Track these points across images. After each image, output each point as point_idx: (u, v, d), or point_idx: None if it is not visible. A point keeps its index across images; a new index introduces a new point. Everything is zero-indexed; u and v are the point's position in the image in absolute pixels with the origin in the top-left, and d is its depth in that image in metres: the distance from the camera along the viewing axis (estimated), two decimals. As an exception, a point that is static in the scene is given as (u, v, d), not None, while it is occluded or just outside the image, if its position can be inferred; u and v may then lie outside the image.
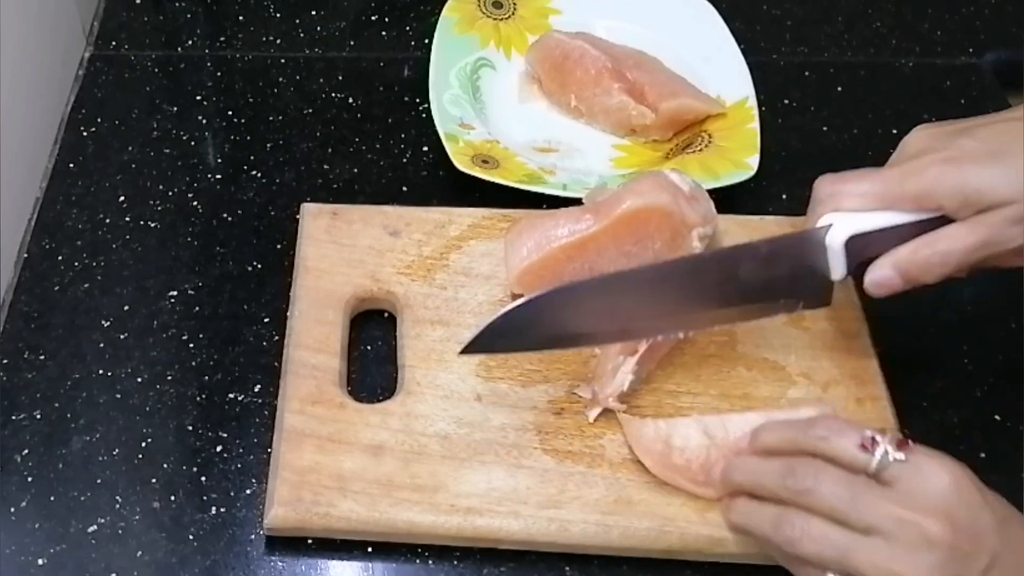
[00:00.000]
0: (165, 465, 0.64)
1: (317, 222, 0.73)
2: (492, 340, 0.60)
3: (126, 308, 0.71)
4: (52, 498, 0.62)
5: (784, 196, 0.79)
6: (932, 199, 0.59)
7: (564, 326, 0.61)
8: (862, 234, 0.61)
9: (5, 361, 0.68)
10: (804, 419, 0.58)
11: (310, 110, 0.85)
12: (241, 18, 0.92)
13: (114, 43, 0.89)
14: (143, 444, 0.65)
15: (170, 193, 0.78)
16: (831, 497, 0.53)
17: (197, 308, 0.72)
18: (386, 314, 0.71)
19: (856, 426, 0.55)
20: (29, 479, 0.63)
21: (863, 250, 0.61)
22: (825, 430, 0.55)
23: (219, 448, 0.65)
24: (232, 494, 0.63)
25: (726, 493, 0.60)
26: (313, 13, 0.92)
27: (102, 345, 0.69)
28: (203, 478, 0.64)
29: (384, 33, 0.91)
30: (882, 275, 0.61)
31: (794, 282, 0.63)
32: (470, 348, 0.60)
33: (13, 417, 0.66)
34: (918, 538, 0.50)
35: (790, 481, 0.54)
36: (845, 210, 0.61)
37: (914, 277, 0.61)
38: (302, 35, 0.91)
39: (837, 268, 0.62)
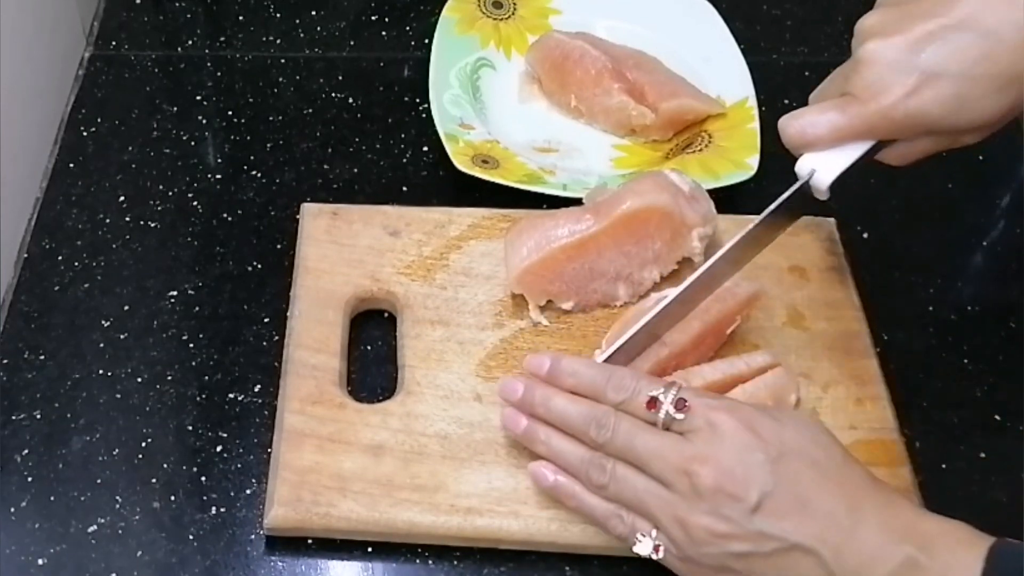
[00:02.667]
0: (165, 465, 0.64)
1: (317, 222, 0.73)
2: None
3: (126, 308, 0.71)
4: (52, 498, 0.62)
5: (784, 196, 0.79)
6: (898, 134, 0.60)
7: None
8: (842, 173, 0.62)
9: (5, 361, 0.68)
10: (604, 368, 0.61)
11: (310, 110, 0.85)
12: (241, 18, 0.92)
13: (114, 43, 0.89)
14: (143, 444, 0.65)
15: (170, 193, 0.78)
16: (626, 446, 0.57)
17: (197, 308, 0.72)
18: (386, 314, 0.71)
19: (649, 381, 0.58)
20: (29, 479, 0.63)
21: (844, 178, 0.62)
22: (618, 391, 0.58)
23: (219, 448, 0.65)
24: (232, 494, 0.63)
25: (519, 411, 0.61)
26: (313, 13, 0.92)
27: (102, 345, 0.69)
28: (203, 478, 0.64)
29: (384, 33, 0.91)
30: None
31: (780, 227, 0.66)
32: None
33: (13, 417, 0.66)
34: (690, 485, 0.54)
35: (594, 430, 0.58)
36: (818, 151, 0.61)
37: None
38: (302, 35, 0.91)
39: (823, 196, 0.63)
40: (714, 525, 0.54)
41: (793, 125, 0.61)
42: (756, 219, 0.63)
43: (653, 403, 0.57)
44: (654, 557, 0.56)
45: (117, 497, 0.63)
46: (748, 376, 0.64)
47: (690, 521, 0.54)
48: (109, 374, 0.68)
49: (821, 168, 0.61)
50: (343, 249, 0.72)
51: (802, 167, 0.62)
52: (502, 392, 0.62)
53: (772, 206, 0.63)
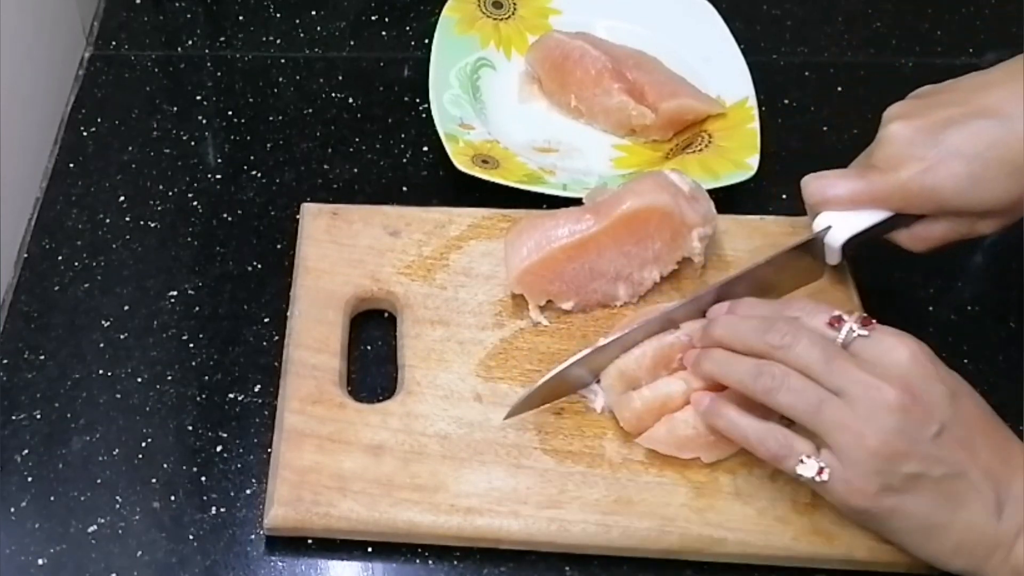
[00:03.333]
0: (165, 465, 0.64)
1: (317, 222, 0.73)
2: (530, 403, 0.64)
3: (126, 308, 0.71)
4: (52, 498, 0.62)
5: (784, 196, 0.79)
6: (912, 208, 0.65)
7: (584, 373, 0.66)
8: (857, 233, 0.65)
9: (5, 361, 0.68)
10: (777, 301, 0.63)
11: (310, 110, 0.85)
12: (241, 18, 0.92)
13: (114, 43, 0.89)
14: (143, 444, 0.65)
15: (170, 193, 0.78)
16: (806, 356, 0.56)
17: (197, 308, 0.72)
18: (386, 314, 0.71)
19: (826, 307, 0.59)
20: (29, 479, 0.63)
21: (858, 242, 0.66)
22: (798, 310, 0.59)
23: (219, 448, 0.65)
24: (232, 494, 0.63)
25: (703, 346, 0.62)
26: (313, 13, 0.92)
27: (102, 345, 0.69)
28: (203, 478, 0.64)
29: (384, 33, 0.91)
30: None
31: (793, 278, 0.68)
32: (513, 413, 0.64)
33: (13, 417, 0.66)
34: (878, 402, 0.55)
35: (769, 336, 0.58)
36: (835, 211, 0.66)
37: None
38: (302, 35, 0.91)
39: (833, 258, 0.67)
40: (895, 442, 0.54)
41: (815, 183, 0.66)
42: (762, 259, 0.66)
43: (837, 321, 0.57)
44: (817, 480, 0.56)
45: (117, 497, 0.63)
46: None
47: (871, 436, 0.54)
48: (109, 374, 0.68)
49: (837, 226, 0.65)
50: (343, 249, 0.72)
51: (819, 223, 0.66)
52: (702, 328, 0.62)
53: (783, 249, 0.66)
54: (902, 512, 0.55)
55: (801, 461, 0.56)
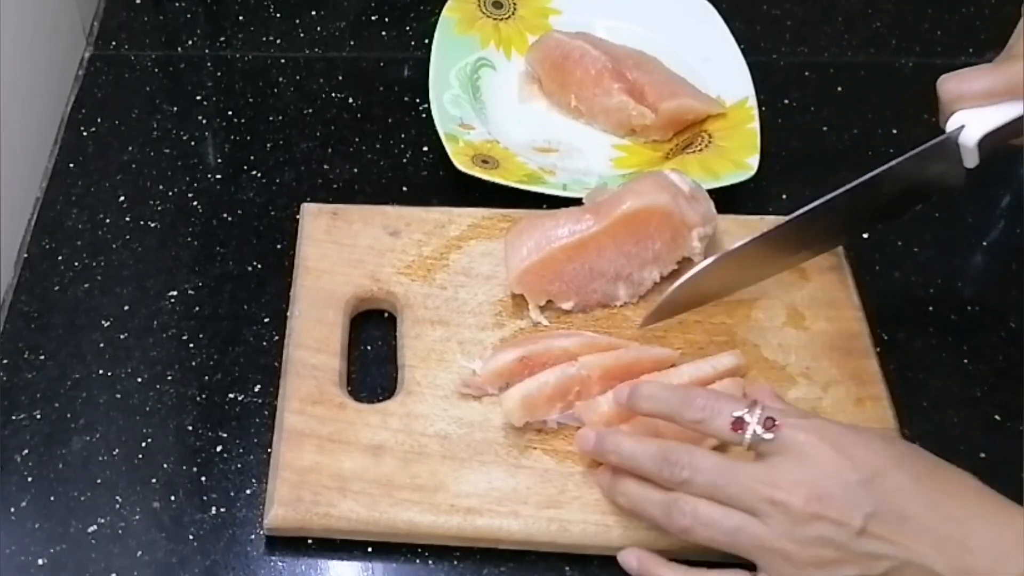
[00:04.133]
0: (165, 465, 0.64)
1: (317, 222, 0.73)
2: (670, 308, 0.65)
3: (126, 308, 0.71)
4: (52, 498, 0.62)
5: (784, 196, 0.79)
6: None
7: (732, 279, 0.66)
8: (993, 131, 0.62)
9: (5, 361, 0.68)
10: (681, 388, 0.60)
11: (310, 110, 0.85)
12: (241, 18, 0.92)
13: (114, 43, 0.89)
14: (143, 444, 0.65)
15: (170, 193, 0.78)
16: (709, 485, 0.54)
17: (197, 308, 0.72)
18: (386, 314, 0.71)
19: (730, 400, 0.56)
20: (29, 479, 0.63)
21: (993, 142, 0.62)
22: (699, 411, 0.56)
23: (219, 448, 0.65)
24: (232, 494, 0.63)
25: (597, 463, 0.61)
26: (313, 13, 0.92)
27: (102, 345, 0.69)
28: (203, 478, 0.64)
29: (384, 33, 0.91)
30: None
31: (928, 183, 0.65)
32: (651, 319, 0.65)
33: (13, 417, 0.66)
34: (788, 515, 0.52)
35: (667, 471, 0.56)
36: (971, 107, 0.62)
37: None
38: (302, 35, 0.91)
39: (970, 160, 0.63)
40: (821, 552, 0.52)
41: (951, 79, 0.62)
42: (892, 163, 0.63)
43: (739, 426, 0.55)
44: None
45: (117, 497, 0.63)
46: (713, 379, 0.64)
47: (793, 551, 0.52)
48: (109, 374, 0.68)
49: (971, 123, 0.62)
50: (343, 249, 0.72)
51: (952, 123, 0.62)
52: (577, 444, 0.61)
53: (912, 152, 0.63)
54: None
55: None
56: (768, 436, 0.54)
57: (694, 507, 0.55)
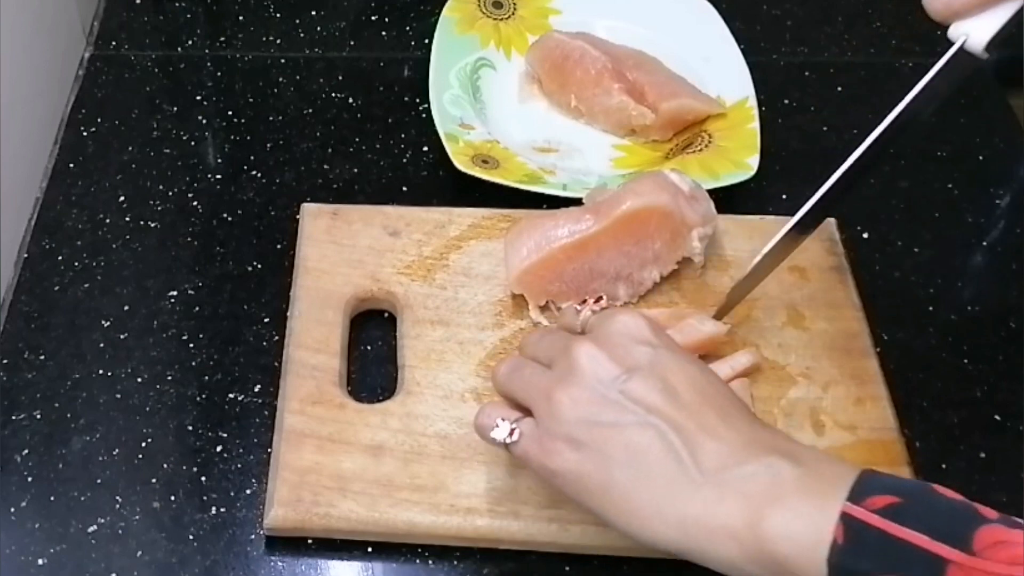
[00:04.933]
0: (165, 465, 0.64)
1: (317, 222, 0.73)
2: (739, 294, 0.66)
3: (126, 308, 0.71)
4: (52, 498, 0.62)
5: (784, 196, 0.79)
6: None
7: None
8: (999, 31, 0.60)
9: (5, 361, 0.68)
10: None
11: (310, 110, 0.85)
12: (241, 18, 0.92)
13: (114, 43, 0.89)
14: (143, 444, 0.65)
15: (170, 193, 0.78)
16: (534, 344, 0.59)
17: (197, 308, 0.72)
18: (386, 314, 0.71)
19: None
20: (29, 479, 0.63)
21: (1003, 43, 0.60)
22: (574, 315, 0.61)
23: (219, 448, 0.65)
24: (232, 494, 0.63)
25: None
26: (313, 13, 0.92)
27: (102, 345, 0.69)
28: (203, 478, 0.64)
29: (384, 33, 0.91)
30: None
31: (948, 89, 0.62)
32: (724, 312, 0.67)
33: (13, 417, 0.66)
34: (569, 359, 0.54)
35: (523, 342, 0.61)
36: (966, 15, 0.60)
37: None
38: (302, 35, 0.91)
39: (980, 54, 0.60)
40: (580, 392, 0.53)
41: None
42: (913, 91, 0.61)
43: (582, 303, 0.61)
44: (508, 442, 0.55)
45: (117, 497, 0.63)
46: (731, 379, 0.65)
47: (556, 391, 0.53)
48: (109, 374, 0.68)
49: (974, 31, 0.60)
50: (343, 249, 0.72)
51: (954, 33, 0.60)
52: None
53: (930, 74, 0.61)
54: (586, 471, 0.52)
55: (496, 426, 0.55)
56: (595, 308, 0.59)
57: (512, 361, 0.58)
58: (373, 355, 0.69)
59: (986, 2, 0.59)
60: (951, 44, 0.60)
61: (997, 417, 0.68)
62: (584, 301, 0.61)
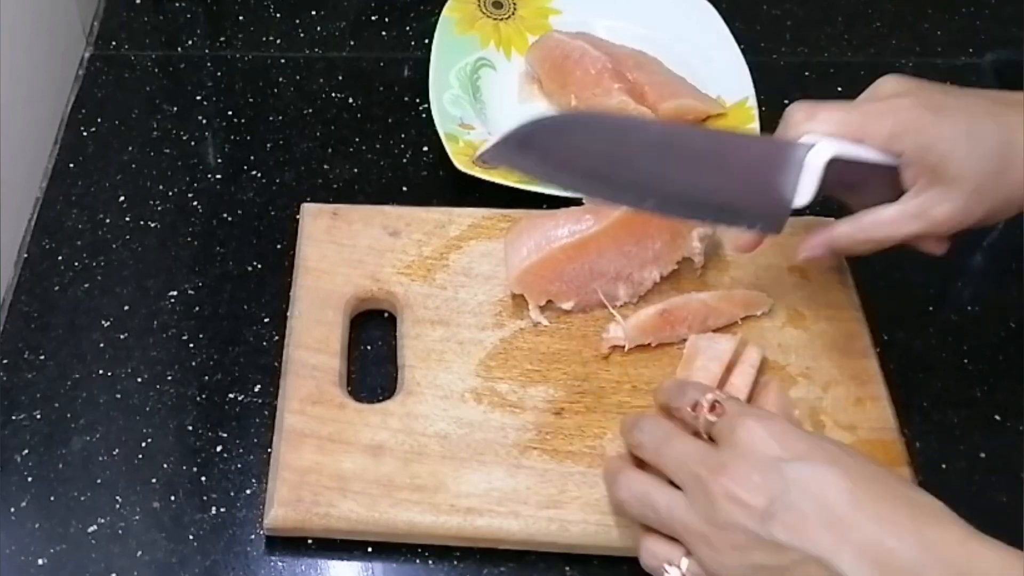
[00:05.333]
0: (165, 465, 0.64)
1: (317, 222, 0.73)
2: (509, 152, 0.63)
3: (126, 308, 0.71)
4: (52, 498, 0.62)
5: (784, 196, 0.78)
6: (900, 143, 0.58)
7: (564, 155, 0.62)
8: (843, 160, 0.59)
9: (5, 361, 0.68)
10: (678, 384, 0.61)
11: (310, 110, 0.85)
12: (241, 18, 0.92)
13: (114, 43, 0.89)
14: (143, 444, 0.65)
15: (170, 193, 0.78)
16: (652, 448, 0.57)
17: (197, 308, 0.72)
18: (386, 314, 0.71)
19: (700, 387, 0.58)
20: (29, 479, 0.63)
21: (835, 177, 0.59)
22: (671, 397, 0.59)
23: (219, 448, 0.65)
24: (232, 494, 0.63)
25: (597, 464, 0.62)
26: (313, 13, 0.92)
27: (102, 345, 0.69)
28: (203, 478, 0.64)
29: (384, 33, 0.91)
30: (814, 252, 0.63)
31: (755, 190, 0.61)
32: (485, 156, 0.65)
33: (13, 417, 0.66)
34: (705, 493, 0.52)
35: (627, 433, 0.59)
36: (819, 134, 0.59)
37: (845, 252, 0.64)
38: (302, 35, 0.91)
39: (806, 191, 0.59)
40: (733, 536, 0.51)
41: (800, 108, 0.61)
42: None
43: (696, 407, 0.56)
44: None
45: (117, 497, 0.63)
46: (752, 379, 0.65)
47: (711, 535, 0.52)
48: (109, 374, 0.68)
49: (823, 144, 0.59)
50: (343, 249, 0.72)
51: (804, 138, 0.59)
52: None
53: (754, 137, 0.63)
54: None
55: (665, 570, 0.54)
56: (711, 418, 0.55)
57: (631, 479, 0.56)
58: (373, 355, 0.69)
59: (837, 133, 0.59)
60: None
61: (997, 417, 0.68)
62: (696, 406, 0.56)
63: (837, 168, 0.59)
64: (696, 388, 0.58)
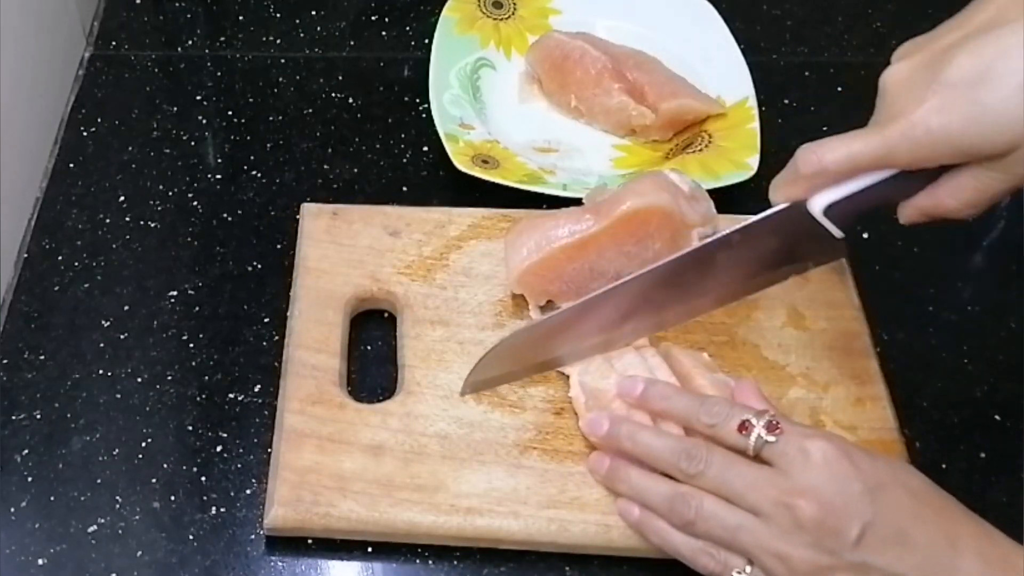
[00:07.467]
0: (165, 465, 0.64)
1: (317, 222, 0.73)
2: (487, 373, 0.64)
3: (126, 308, 0.71)
4: (52, 498, 0.62)
5: (784, 196, 0.79)
6: (924, 158, 0.55)
7: (562, 346, 0.65)
8: (838, 200, 0.58)
9: (5, 361, 0.68)
10: (696, 395, 0.60)
11: (310, 110, 0.85)
12: (241, 18, 0.92)
13: (114, 43, 0.89)
14: (143, 444, 0.65)
15: (170, 193, 0.78)
16: (718, 479, 0.55)
17: (197, 308, 0.72)
18: (386, 314, 0.71)
19: (741, 407, 0.57)
20: (29, 479, 0.63)
21: (847, 210, 0.58)
22: (711, 416, 0.57)
23: (219, 448, 0.65)
24: (232, 494, 0.63)
25: (607, 450, 0.61)
26: (313, 13, 0.92)
27: (102, 345, 0.69)
28: (203, 478, 0.64)
29: (384, 33, 0.91)
30: (910, 219, 0.59)
31: (795, 249, 0.61)
32: (468, 389, 0.65)
33: (13, 417, 0.66)
34: (791, 519, 0.53)
35: (684, 464, 0.56)
36: (834, 177, 0.58)
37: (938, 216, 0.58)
38: (302, 35, 0.91)
39: (833, 230, 0.59)
40: (817, 558, 0.52)
41: (810, 148, 0.58)
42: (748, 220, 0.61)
43: (745, 426, 0.55)
44: None
45: (117, 497, 0.63)
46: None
47: (792, 555, 0.53)
48: (109, 374, 0.68)
49: (827, 192, 0.58)
50: (343, 249, 0.72)
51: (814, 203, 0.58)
52: (587, 428, 0.61)
53: (757, 218, 0.60)
54: None
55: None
56: (771, 439, 0.55)
57: (700, 501, 0.56)
58: (373, 355, 0.69)
59: (856, 166, 0.57)
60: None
61: (997, 417, 0.68)
62: (744, 425, 0.55)
63: (843, 204, 0.58)
64: (734, 406, 0.57)
